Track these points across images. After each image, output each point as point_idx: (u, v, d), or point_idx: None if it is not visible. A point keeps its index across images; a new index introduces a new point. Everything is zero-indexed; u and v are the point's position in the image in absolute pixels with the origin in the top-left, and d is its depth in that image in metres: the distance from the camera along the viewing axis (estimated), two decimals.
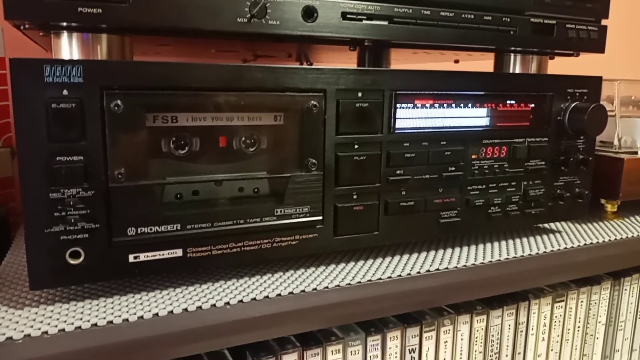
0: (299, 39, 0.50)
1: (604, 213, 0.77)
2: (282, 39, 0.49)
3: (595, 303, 0.71)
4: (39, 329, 0.39)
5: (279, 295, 0.47)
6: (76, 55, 0.45)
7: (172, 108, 0.44)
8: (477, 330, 0.61)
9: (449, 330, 0.59)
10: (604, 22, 0.64)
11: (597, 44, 0.63)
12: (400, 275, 0.52)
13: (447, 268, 0.55)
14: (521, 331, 0.65)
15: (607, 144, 0.75)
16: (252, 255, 0.48)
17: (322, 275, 0.51)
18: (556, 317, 0.68)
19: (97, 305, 0.44)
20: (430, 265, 0.55)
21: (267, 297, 0.47)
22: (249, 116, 0.47)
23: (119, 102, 0.41)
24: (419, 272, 0.53)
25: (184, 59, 0.81)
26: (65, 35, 0.45)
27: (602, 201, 0.77)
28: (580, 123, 0.61)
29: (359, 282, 0.50)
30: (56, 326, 0.40)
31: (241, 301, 0.46)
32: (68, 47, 0.45)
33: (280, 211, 0.49)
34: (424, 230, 0.57)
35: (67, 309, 0.43)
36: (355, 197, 0.52)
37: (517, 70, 0.66)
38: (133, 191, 0.43)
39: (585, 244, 0.64)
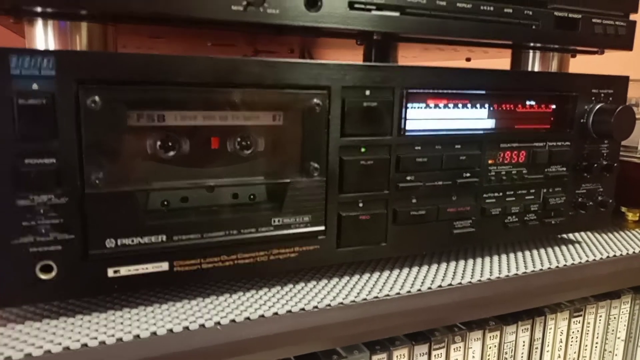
0: (301, 31, 0.46)
1: (625, 222, 0.73)
2: (282, 31, 0.44)
3: (615, 318, 0.67)
4: (2, 353, 0.35)
5: (276, 314, 0.43)
6: (52, 47, 0.41)
7: (158, 105, 0.40)
8: (490, 347, 0.58)
9: (460, 347, 0.56)
10: (632, 17, 0.59)
11: (624, 41, 0.59)
12: (409, 292, 0.48)
13: (460, 283, 0.51)
14: (536, 348, 0.61)
15: (630, 149, 0.71)
16: (247, 270, 0.44)
17: (324, 291, 0.47)
18: (573, 332, 0.64)
19: (73, 324, 0.40)
20: (442, 280, 0.51)
21: (262, 316, 0.42)
22: (245, 115, 0.43)
23: (96, 97, 0.37)
24: (429, 288, 0.49)
25: (178, 53, 0.77)
26: (39, 23, 0.40)
27: (623, 209, 0.72)
28: (606, 126, 0.57)
29: (365, 299, 0.46)
30: (22, 350, 0.36)
31: (233, 321, 0.41)
32: (43, 37, 0.41)
33: (279, 220, 0.45)
34: (436, 242, 0.53)
35: (38, 328, 0.39)
36: (361, 205, 0.48)
37: (536, 69, 0.62)
38: (112, 198, 0.39)
39: (607, 257, 0.60)
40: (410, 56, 0.78)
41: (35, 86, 0.35)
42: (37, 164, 0.36)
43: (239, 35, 0.54)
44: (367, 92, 0.46)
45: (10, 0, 0.35)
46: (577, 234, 0.67)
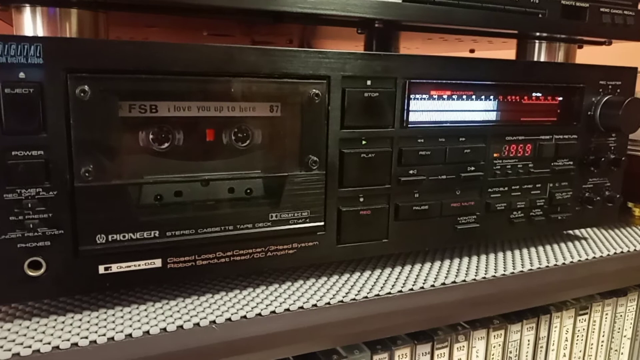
0: (300, 18, 0.44)
1: (631, 217, 0.72)
2: (280, 17, 0.43)
3: (621, 316, 0.66)
4: None
5: (273, 312, 0.41)
6: (40, 35, 0.39)
7: (150, 95, 0.39)
8: (494, 347, 0.57)
9: (463, 346, 0.55)
10: None
11: (633, 31, 0.57)
12: (411, 289, 0.47)
13: (464, 281, 0.49)
14: (541, 347, 0.60)
15: (638, 143, 0.69)
16: (243, 267, 0.43)
17: (323, 289, 0.46)
18: (579, 331, 0.63)
19: (63, 323, 0.38)
20: (446, 278, 0.49)
21: (259, 315, 0.41)
22: (241, 106, 0.41)
23: (86, 87, 0.35)
24: (432, 286, 0.48)
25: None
26: (28, 9, 0.39)
27: (630, 205, 0.71)
28: (613, 119, 0.55)
29: (365, 297, 0.45)
30: (10, 350, 0.34)
31: (229, 319, 0.40)
32: (31, 25, 0.40)
33: (276, 216, 0.43)
34: (439, 238, 0.51)
35: (27, 327, 0.38)
36: (361, 199, 0.47)
37: (542, 60, 0.60)
38: (103, 192, 0.37)
39: (614, 253, 0.59)
40: (412, 47, 0.77)
41: (22, 75, 0.34)
42: (25, 156, 0.35)
43: (235, 25, 0.53)
44: (368, 82, 0.45)
45: None
46: (583, 230, 0.66)
